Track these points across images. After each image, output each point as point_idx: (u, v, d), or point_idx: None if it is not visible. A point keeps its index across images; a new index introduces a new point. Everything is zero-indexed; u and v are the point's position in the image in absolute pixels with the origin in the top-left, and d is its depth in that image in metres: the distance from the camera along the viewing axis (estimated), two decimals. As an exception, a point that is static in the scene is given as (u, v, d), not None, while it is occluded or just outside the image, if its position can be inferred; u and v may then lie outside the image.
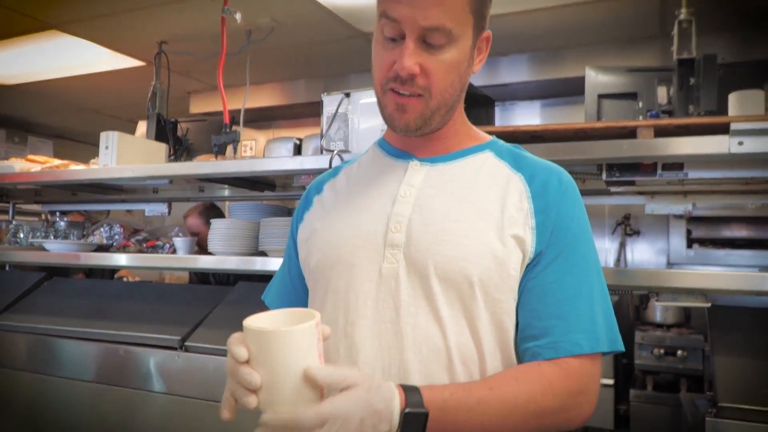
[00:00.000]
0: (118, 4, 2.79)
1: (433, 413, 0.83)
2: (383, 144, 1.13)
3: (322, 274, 1.03)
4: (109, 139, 2.45)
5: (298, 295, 1.15)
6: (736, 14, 2.95)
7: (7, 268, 3.39)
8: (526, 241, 0.95)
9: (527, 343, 0.94)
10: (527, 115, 4.32)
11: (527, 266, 0.96)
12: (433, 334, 0.93)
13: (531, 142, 1.78)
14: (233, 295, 2.46)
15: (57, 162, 2.86)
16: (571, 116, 4.10)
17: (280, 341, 0.77)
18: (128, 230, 2.86)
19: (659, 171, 1.75)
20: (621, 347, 0.95)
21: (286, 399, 0.78)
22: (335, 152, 1.94)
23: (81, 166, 2.73)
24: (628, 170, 1.77)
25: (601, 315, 0.95)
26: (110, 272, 3.62)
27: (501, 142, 1.10)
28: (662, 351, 3.32)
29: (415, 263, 0.95)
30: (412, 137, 1.02)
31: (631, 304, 3.96)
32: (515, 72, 3.96)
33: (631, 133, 1.69)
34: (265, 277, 3.12)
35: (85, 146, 5.30)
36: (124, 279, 3.75)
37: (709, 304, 1.59)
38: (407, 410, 0.81)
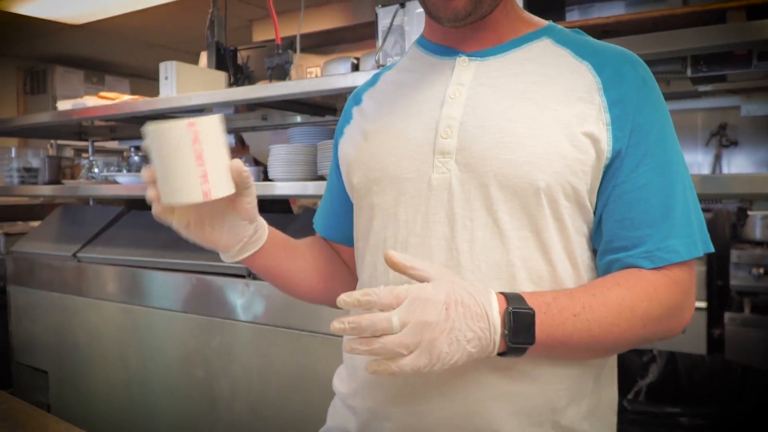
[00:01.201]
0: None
1: (539, 316, 0.76)
2: (423, 42, 1.01)
3: (367, 191, 0.95)
4: (168, 70, 2.43)
5: (339, 218, 1.08)
6: None
7: (90, 202, 3.55)
8: (601, 140, 0.83)
9: (617, 254, 0.85)
10: (612, 11, 3.98)
11: (605, 168, 0.84)
12: (494, 249, 0.83)
13: (602, 38, 1.59)
14: (298, 222, 2.45)
15: (126, 97, 2.90)
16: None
17: (161, 135, 0.81)
18: (197, 162, 2.89)
19: (755, 61, 1.53)
20: (712, 248, 0.86)
21: (173, 186, 0.82)
22: (389, 65, 1.82)
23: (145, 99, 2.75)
24: (718, 63, 1.55)
25: (695, 216, 0.86)
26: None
27: (559, 26, 0.95)
28: (762, 270, 3.08)
29: (470, 171, 0.85)
30: (459, 29, 0.90)
31: (727, 220, 3.69)
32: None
33: (719, 18, 1.47)
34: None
35: (153, 82, 5.41)
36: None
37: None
38: (512, 309, 0.74)
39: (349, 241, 1.06)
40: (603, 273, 0.87)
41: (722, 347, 3.15)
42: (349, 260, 1.09)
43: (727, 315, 3.16)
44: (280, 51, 2.10)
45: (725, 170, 3.86)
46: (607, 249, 0.86)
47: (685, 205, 0.85)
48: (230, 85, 2.75)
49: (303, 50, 2.53)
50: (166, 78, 2.44)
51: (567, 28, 0.96)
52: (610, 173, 0.85)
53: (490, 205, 0.84)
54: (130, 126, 3.27)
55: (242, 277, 2.27)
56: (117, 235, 2.87)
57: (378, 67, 2.09)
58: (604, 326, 0.79)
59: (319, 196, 2.25)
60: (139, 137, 3.46)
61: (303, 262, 1.05)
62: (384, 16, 2.12)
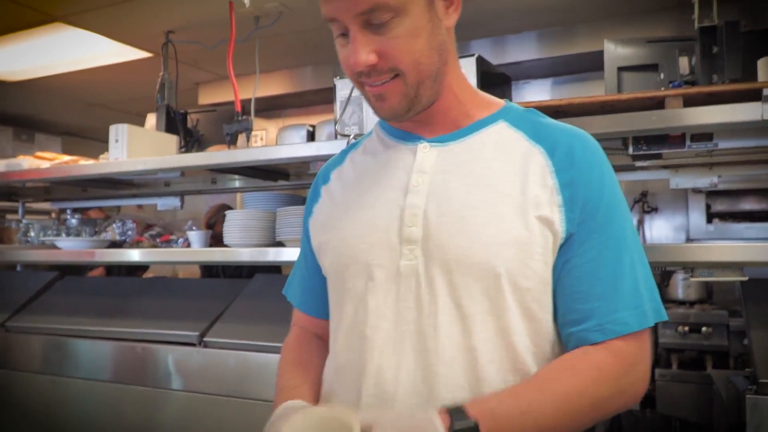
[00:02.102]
0: (121, -6, 2.74)
1: (484, 424, 0.78)
2: (384, 125, 1.04)
3: (338, 276, 0.98)
4: (119, 132, 2.41)
5: (316, 291, 1.10)
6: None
7: (18, 268, 3.37)
8: (555, 221, 0.88)
9: (571, 328, 0.89)
10: (538, 93, 4.26)
11: (560, 247, 0.89)
12: (456, 334, 0.87)
13: (555, 117, 1.71)
14: (250, 287, 2.43)
15: (66, 158, 2.82)
16: (584, 93, 4.02)
17: None
18: (141, 225, 2.83)
19: (688, 142, 1.69)
20: (665, 316, 0.90)
21: None
22: (351, 137, 1.89)
23: (91, 162, 2.70)
24: (656, 143, 1.71)
25: (644, 286, 0.89)
26: (126, 269, 3.59)
27: (515, 106, 1.01)
28: (686, 328, 3.27)
29: (435, 258, 0.89)
30: (417, 117, 0.95)
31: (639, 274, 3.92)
32: (526, 49, 3.89)
33: (658, 104, 1.62)
34: (282, 269, 3.10)
35: (93, 142, 5.25)
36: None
37: (746, 278, 1.54)
38: (456, 427, 0.76)
39: (324, 315, 1.08)
40: (566, 345, 0.91)
41: (654, 402, 3.30)
42: (323, 331, 1.09)
43: (657, 371, 3.33)
44: (240, 118, 2.13)
45: (647, 234, 4.13)
46: (564, 322, 0.90)
47: (633, 278, 0.88)
48: (181, 148, 2.74)
49: (247, 113, 2.57)
50: (117, 140, 2.41)
51: (523, 108, 1.00)
52: (563, 251, 0.89)
53: (454, 291, 0.87)
54: (65, 187, 3.17)
55: (193, 345, 2.21)
56: (51, 302, 2.73)
57: (336, 136, 2.16)
58: (554, 419, 0.82)
59: (279, 263, 2.27)
60: (74, 198, 3.36)
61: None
62: (342, 87, 2.19)
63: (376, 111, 0.93)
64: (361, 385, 0.90)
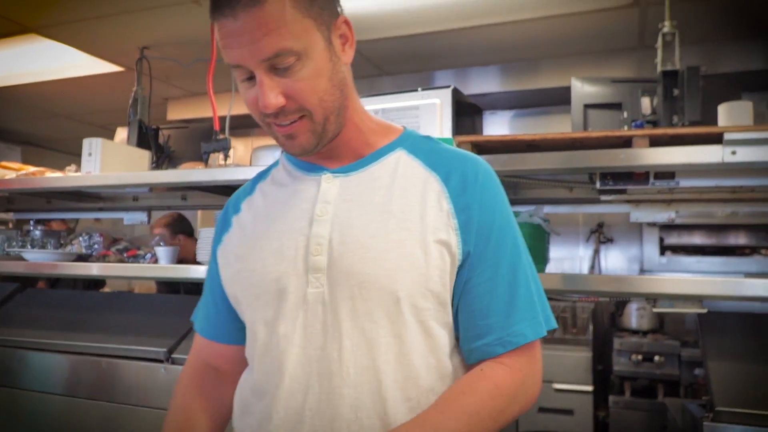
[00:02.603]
0: (99, 8, 2.73)
1: None
2: (291, 157, 1.07)
3: (248, 305, 1.01)
4: (93, 146, 2.39)
5: (220, 317, 1.11)
6: (710, 27, 3.05)
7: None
8: (452, 244, 0.94)
9: (474, 343, 0.95)
10: (500, 125, 4.38)
11: (459, 268, 0.95)
12: (361, 356, 0.91)
13: (527, 150, 1.80)
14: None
15: (32, 169, 2.78)
16: (544, 126, 4.17)
17: None
18: (108, 239, 2.79)
19: (652, 180, 1.79)
20: (555, 324, 0.98)
21: None
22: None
23: (58, 174, 2.65)
24: (622, 179, 1.80)
25: (537, 299, 0.97)
26: (83, 283, 3.51)
27: (414, 133, 1.06)
28: (640, 357, 3.40)
29: (339, 285, 0.93)
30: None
31: (606, 310, 4.04)
32: (491, 82, 4.00)
33: (625, 143, 1.72)
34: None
35: (55, 153, 5.16)
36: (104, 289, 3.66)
37: (705, 310, 1.63)
38: None
39: (230, 339, 1.11)
40: (467, 360, 0.97)
41: (607, 429, 3.39)
42: (225, 360, 1.13)
43: (611, 398, 3.43)
44: (218, 137, 2.15)
45: (603, 264, 4.27)
46: (467, 337, 0.96)
47: (528, 292, 0.96)
48: (152, 164, 2.73)
49: (221, 131, 2.58)
50: (90, 154, 2.39)
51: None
52: (462, 271, 0.95)
53: (357, 317, 0.91)
54: (29, 198, 3.11)
55: (160, 361, 2.19)
56: (13, 314, 2.66)
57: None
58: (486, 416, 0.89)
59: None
60: (38, 209, 3.29)
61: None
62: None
63: (286, 149, 0.97)
64: (272, 407, 0.94)
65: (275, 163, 1.12)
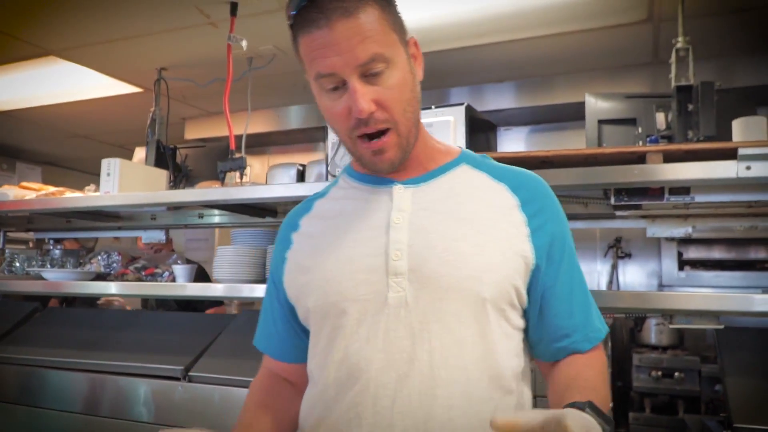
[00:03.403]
0: (117, 31, 2.79)
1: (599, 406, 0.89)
2: (354, 173, 1.11)
3: (324, 315, 1.01)
4: (111, 166, 2.43)
5: (283, 339, 1.15)
6: (724, 42, 3.04)
7: (-2, 297, 3.32)
8: (527, 250, 0.98)
9: (562, 342, 1.01)
10: (516, 141, 4.37)
11: (532, 272, 0.99)
12: (450, 356, 0.94)
13: (541, 167, 1.80)
14: (236, 323, 2.44)
15: (52, 189, 2.83)
16: (559, 141, 4.17)
17: None
18: (126, 258, 2.83)
19: (667, 195, 1.78)
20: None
21: None
22: (345, 178, 1.94)
23: (77, 193, 2.70)
24: (637, 195, 1.79)
25: (593, 302, 1.07)
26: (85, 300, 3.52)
27: (471, 153, 1.12)
28: (659, 373, 3.35)
29: (423, 289, 0.95)
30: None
31: (625, 326, 4.00)
32: (506, 98, 4.01)
33: (639, 159, 1.72)
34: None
35: (74, 173, 5.24)
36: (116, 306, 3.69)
37: (722, 326, 1.62)
38: (588, 410, 0.81)
39: (293, 359, 1.14)
40: (550, 358, 1.04)
41: (628, 447, 3.34)
42: (293, 375, 1.16)
43: (631, 415, 3.38)
44: (234, 156, 2.18)
45: (621, 279, 4.22)
46: (552, 338, 1.02)
47: (589, 294, 1.06)
48: (170, 183, 2.77)
49: (237, 149, 2.62)
50: (109, 174, 2.43)
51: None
52: (538, 276, 1.00)
53: (444, 317, 0.94)
54: (49, 217, 3.16)
55: (177, 379, 2.21)
56: (32, 333, 2.70)
57: (327, 177, 2.21)
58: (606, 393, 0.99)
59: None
60: (57, 229, 3.35)
61: None
62: (334, 130, 2.26)
63: (373, 165, 1.00)
64: (361, 414, 0.94)
65: (333, 183, 1.16)
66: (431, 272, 0.95)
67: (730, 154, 1.58)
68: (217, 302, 3.19)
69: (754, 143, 1.57)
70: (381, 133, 0.96)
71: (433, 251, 0.96)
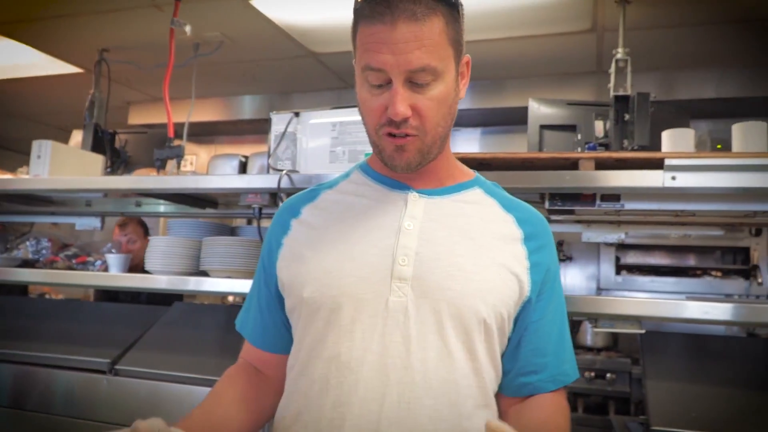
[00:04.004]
0: (58, 7, 2.69)
1: None
2: (371, 172, 1.11)
3: (318, 307, 0.99)
4: (42, 149, 2.34)
5: (269, 328, 1.12)
6: (666, 55, 3.13)
7: None
8: (523, 281, 1.01)
9: (528, 378, 1.03)
10: (468, 141, 4.42)
11: (524, 303, 1.01)
12: (443, 369, 0.95)
13: (479, 168, 1.81)
14: (169, 315, 2.38)
15: (-19, 170, 2.71)
16: (510, 144, 4.24)
17: None
18: (57, 244, 2.72)
19: (598, 201, 1.82)
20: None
21: None
22: (284, 172, 1.92)
23: (7, 175, 2.59)
24: (570, 200, 1.83)
25: (570, 346, 1.08)
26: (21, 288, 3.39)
27: (483, 178, 1.14)
28: (592, 374, 3.44)
29: (425, 297, 0.96)
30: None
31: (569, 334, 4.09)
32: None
33: (573, 165, 1.75)
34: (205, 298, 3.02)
35: (11, 153, 5.04)
36: (47, 295, 3.57)
37: (643, 331, 1.66)
38: None
39: (278, 349, 1.11)
40: (512, 392, 1.04)
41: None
42: (276, 367, 1.12)
43: (564, 416, 3.46)
44: (172, 144, 2.13)
45: (562, 281, 4.31)
46: (520, 372, 1.03)
47: (568, 337, 1.07)
48: (107, 169, 2.68)
49: (178, 138, 2.56)
50: (39, 157, 2.34)
51: (489, 181, 1.14)
52: (528, 309, 1.02)
53: (441, 329, 0.95)
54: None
55: (103, 372, 2.14)
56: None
57: (269, 170, 2.18)
58: None
59: (199, 292, 2.24)
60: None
61: (228, 419, 1.06)
62: (278, 122, 2.23)
63: (392, 160, 0.99)
64: (344, 415, 0.94)
65: (344, 176, 1.15)
66: (435, 284, 0.96)
67: (658, 164, 1.62)
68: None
69: (680, 154, 1.62)
70: (406, 135, 0.96)
71: (439, 263, 0.97)
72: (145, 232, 3.18)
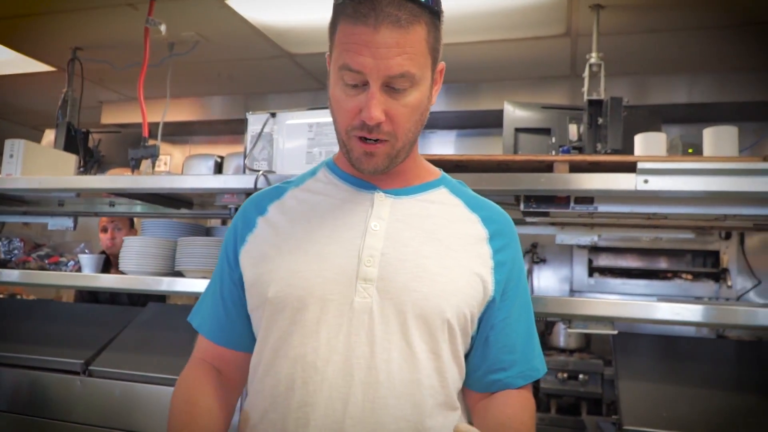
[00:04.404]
0: (30, 5, 2.65)
1: None
2: (338, 171, 1.10)
3: (283, 307, 0.99)
4: (15, 148, 2.30)
5: (231, 323, 1.09)
6: (638, 60, 3.19)
7: None
8: (488, 281, 1.01)
9: (498, 374, 1.04)
10: (443, 144, 4.45)
11: (488, 303, 1.02)
12: (407, 369, 0.95)
13: (454, 170, 1.83)
14: (143, 316, 2.36)
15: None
16: (485, 147, 4.27)
17: None
18: (29, 245, 2.69)
19: (572, 204, 1.85)
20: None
21: None
22: (261, 172, 1.92)
23: (-22, 175, 2.54)
24: (544, 202, 1.85)
25: (537, 341, 1.10)
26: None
27: (448, 177, 1.15)
28: (565, 375, 3.48)
29: (391, 298, 0.96)
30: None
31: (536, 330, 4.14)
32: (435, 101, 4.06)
33: (548, 167, 1.78)
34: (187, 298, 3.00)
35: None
36: (18, 296, 3.51)
37: (615, 332, 1.69)
38: None
39: (239, 346, 1.09)
40: (482, 389, 1.06)
41: (533, 447, 3.46)
42: (237, 366, 1.09)
43: (538, 415, 3.49)
44: (146, 144, 2.11)
45: (535, 284, 4.37)
46: (489, 370, 1.04)
47: (535, 333, 1.09)
48: (80, 168, 2.65)
49: (153, 137, 2.54)
50: (12, 156, 2.30)
51: (454, 180, 1.14)
52: (492, 308, 1.03)
53: (406, 330, 0.95)
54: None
55: (76, 373, 2.11)
56: None
57: (245, 170, 2.17)
58: None
59: (173, 292, 2.22)
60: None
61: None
62: (254, 123, 2.22)
63: (359, 164, 0.99)
64: (309, 414, 0.93)
65: (310, 173, 1.14)
66: (400, 285, 0.96)
67: (631, 168, 1.65)
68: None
69: (652, 158, 1.65)
70: (377, 141, 0.96)
71: (404, 264, 0.98)
72: (131, 223, 3.14)
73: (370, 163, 0.99)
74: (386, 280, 0.97)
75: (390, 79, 0.92)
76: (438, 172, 1.14)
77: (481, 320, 1.03)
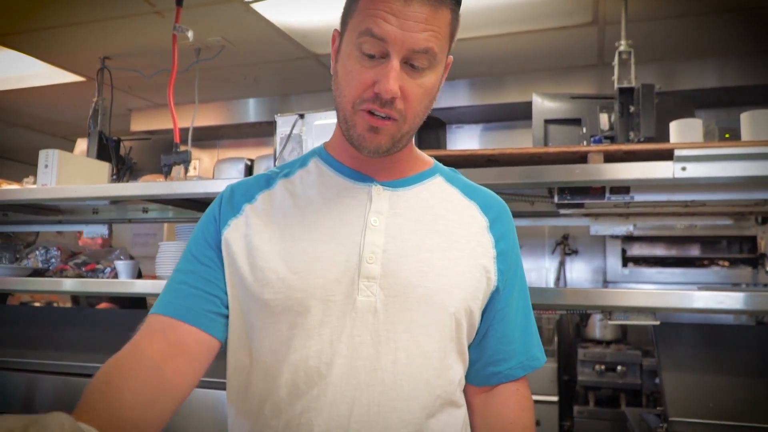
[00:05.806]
0: (59, 17, 2.69)
1: None
2: (331, 161, 1.04)
3: (283, 310, 0.93)
4: (49, 158, 2.34)
5: (195, 298, 0.95)
6: (667, 46, 3.13)
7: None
8: (490, 271, 0.99)
9: (497, 366, 1.02)
10: (469, 138, 4.43)
11: (492, 293, 1.00)
12: (415, 368, 0.91)
13: (486, 165, 1.82)
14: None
15: (-11, 181, 2.71)
16: (511, 140, 4.24)
17: None
18: (65, 253, 2.73)
19: (608, 194, 1.82)
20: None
21: None
22: (292, 174, 1.92)
23: (13, 186, 2.60)
24: (579, 193, 1.83)
25: (535, 329, 1.08)
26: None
27: (441, 165, 1.10)
28: (603, 367, 3.45)
29: (395, 296, 0.92)
30: (372, 159, 0.97)
31: (570, 322, 4.10)
32: (458, 96, 4.05)
33: (581, 158, 1.75)
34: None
35: (15, 164, 5.04)
36: (54, 304, 3.58)
37: (658, 322, 1.66)
38: None
39: (201, 324, 0.95)
40: (481, 382, 1.04)
41: (572, 439, 3.43)
42: (193, 343, 0.95)
43: (576, 408, 3.47)
44: (178, 150, 2.13)
45: (567, 275, 4.33)
46: (489, 361, 1.03)
47: (533, 321, 1.07)
48: (112, 176, 2.69)
49: (183, 143, 2.56)
50: (47, 166, 2.34)
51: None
52: (495, 298, 1.01)
53: (411, 328, 0.92)
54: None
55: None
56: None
57: (276, 172, 2.18)
58: None
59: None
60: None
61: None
62: (283, 125, 2.23)
63: (361, 140, 0.93)
64: (312, 420, 0.89)
65: (300, 163, 1.06)
66: (404, 281, 0.93)
67: (667, 155, 1.62)
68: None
69: (689, 145, 1.62)
70: (386, 117, 0.91)
71: (407, 260, 0.94)
72: None
73: (374, 141, 0.92)
74: (390, 277, 0.93)
75: (412, 54, 0.88)
76: (431, 161, 1.09)
77: (484, 312, 1.01)
